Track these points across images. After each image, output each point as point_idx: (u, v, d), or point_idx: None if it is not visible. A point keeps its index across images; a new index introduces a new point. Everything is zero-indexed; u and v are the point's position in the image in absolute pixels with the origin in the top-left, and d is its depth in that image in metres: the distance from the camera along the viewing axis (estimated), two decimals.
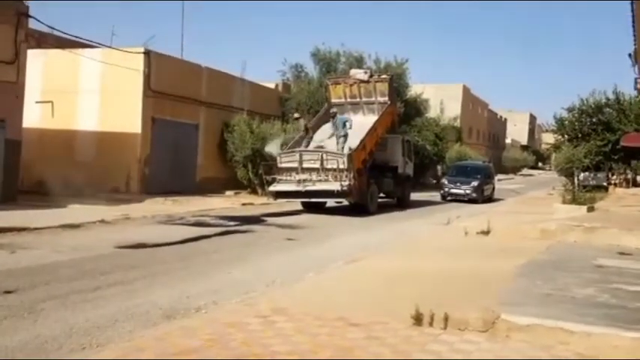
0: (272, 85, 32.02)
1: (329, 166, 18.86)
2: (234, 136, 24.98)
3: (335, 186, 18.56)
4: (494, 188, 31.38)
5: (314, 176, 19.05)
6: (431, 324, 5.91)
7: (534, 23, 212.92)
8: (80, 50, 21.60)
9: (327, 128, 21.17)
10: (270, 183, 20.12)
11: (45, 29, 19.82)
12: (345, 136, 19.71)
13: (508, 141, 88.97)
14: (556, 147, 29.24)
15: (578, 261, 10.16)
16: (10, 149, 16.97)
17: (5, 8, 16.63)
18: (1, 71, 16.56)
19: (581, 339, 5.58)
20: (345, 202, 20.38)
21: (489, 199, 29.40)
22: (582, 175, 25.90)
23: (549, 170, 66.28)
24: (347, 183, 18.54)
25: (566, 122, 28.19)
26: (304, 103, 29.90)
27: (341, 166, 18.68)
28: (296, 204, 20.61)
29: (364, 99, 22.66)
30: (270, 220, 17.19)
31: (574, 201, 19.43)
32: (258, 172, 22.42)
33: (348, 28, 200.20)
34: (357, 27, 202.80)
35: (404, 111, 31.54)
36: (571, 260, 10.21)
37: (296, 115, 23.52)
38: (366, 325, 5.89)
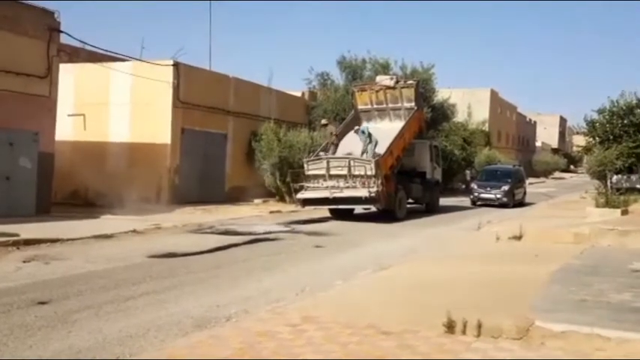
0: (298, 94, 32.13)
1: (356, 173, 18.82)
2: (262, 145, 25.12)
3: (363, 192, 18.51)
4: (525, 192, 30.96)
5: (341, 183, 19.03)
6: (464, 332, 5.84)
7: (562, 25, 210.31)
8: (110, 64, 21.97)
9: (353, 135, 21.14)
10: (297, 190, 20.17)
11: (76, 44, 20.25)
12: (374, 143, 19.59)
13: (538, 144, 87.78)
14: (587, 149, 28.73)
15: (612, 265, 9.95)
16: (43, 162, 17.28)
17: (37, 24, 16.99)
18: (34, 86, 16.91)
19: (617, 345, 5.47)
20: (373, 209, 20.30)
21: (520, 204, 29.00)
22: (615, 177, 25.39)
23: (581, 173, 65.15)
24: (375, 189, 18.47)
25: (597, 124, 27.68)
26: (331, 111, 29.93)
27: (368, 173, 18.63)
28: (324, 211, 20.59)
29: (391, 105, 22.57)
30: (298, 227, 17.21)
31: (607, 204, 19.05)
32: (286, 179, 22.50)
33: (374, 35, 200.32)
34: (383, 34, 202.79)
35: (431, 116, 31.33)
36: (606, 265, 10.01)
37: (323, 121, 23.54)
38: (397, 333, 5.84)
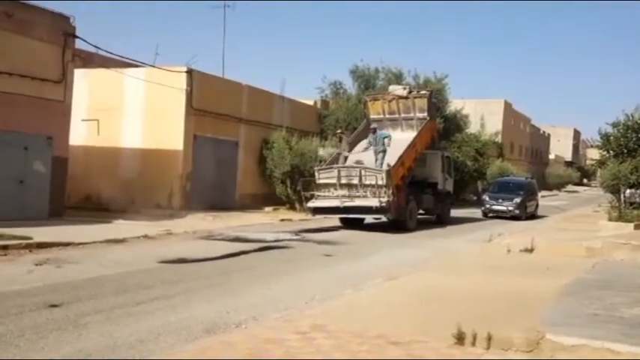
0: (311, 102, 32.20)
1: (367, 182, 18.80)
2: (274, 153, 25.18)
3: (373, 202, 18.48)
4: (537, 205, 30.83)
5: (352, 192, 19.01)
6: (473, 343, 5.81)
7: (577, 37, 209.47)
8: (125, 69, 22.16)
9: (364, 144, 21.16)
10: (308, 199, 20.18)
11: (91, 49, 20.44)
12: (384, 151, 19.58)
13: (551, 157, 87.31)
14: (601, 163, 28.49)
15: (625, 280, 9.87)
16: (57, 166, 17.45)
17: (53, 29, 17.19)
18: (49, 90, 17.09)
19: None
20: (384, 219, 20.26)
21: (532, 216, 28.87)
22: (628, 191, 25.18)
23: (595, 187, 64.71)
24: (385, 199, 18.44)
25: (612, 138, 27.47)
26: (343, 120, 29.97)
27: (379, 182, 18.61)
28: (334, 220, 20.58)
29: (403, 115, 22.56)
30: (308, 236, 17.21)
31: (620, 218, 18.93)
32: (297, 188, 22.54)
33: (387, 44, 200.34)
34: (396, 44, 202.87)
35: (443, 127, 31.29)
36: (618, 279, 9.92)
37: (338, 131, 23.53)
38: (406, 343, 5.83)
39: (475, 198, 39.17)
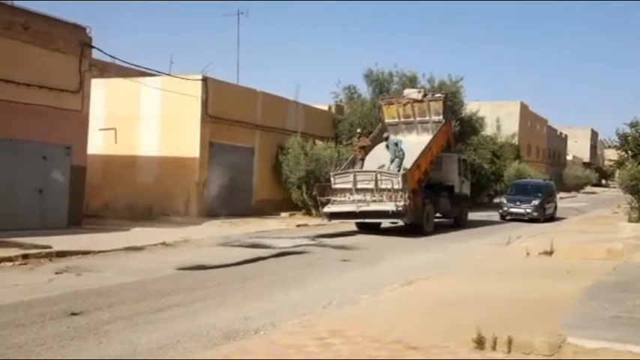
0: (325, 107, 32.22)
1: (383, 187, 18.75)
2: (289, 159, 25.22)
3: (390, 206, 18.43)
4: (556, 207, 30.53)
5: (368, 197, 18.97)
6: (494, 348, 5.76)
7: (593, 38, 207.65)
8: (140, 78, 22.36)
9: (380, 148, 21.10)
10: (324, 204, 20.18)
11: (107, 59, 20.65)
12: (400, 157, 19.49)
13: (569, 158, 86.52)
14: (619, 164, 28.17)
15: None
16: (75, 175, 17.62)
17: (70, 39, 17.39)
18: (66, 100, 17.28)
19: None
20: (401, 223, 20.19)
21: (551, 218, 28.59)
22: None
23: (613, 188, 64.00)
24: (402, 203, 18.38)
25: (630, 138, 27.15)
26: (357, 124, 29.91)
27: (395, 187, 18.55)
28: (350, 225, 20.56)
29: (418, 118, 22.49)
30: (324, 241, 17.20)
31: None
32: (313, 193, 22.53)
33: (401, 48, 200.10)
34: (411, 47, 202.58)
35: (459, 129, 31.10)
36: (639, 281, 9.79)
37: (358, 130, 23.39)
38: (425, 348, 5.80)
39: (492, 200, 38.90)
